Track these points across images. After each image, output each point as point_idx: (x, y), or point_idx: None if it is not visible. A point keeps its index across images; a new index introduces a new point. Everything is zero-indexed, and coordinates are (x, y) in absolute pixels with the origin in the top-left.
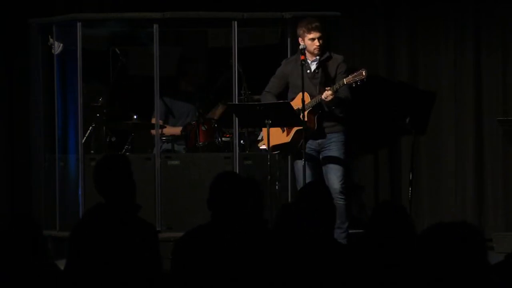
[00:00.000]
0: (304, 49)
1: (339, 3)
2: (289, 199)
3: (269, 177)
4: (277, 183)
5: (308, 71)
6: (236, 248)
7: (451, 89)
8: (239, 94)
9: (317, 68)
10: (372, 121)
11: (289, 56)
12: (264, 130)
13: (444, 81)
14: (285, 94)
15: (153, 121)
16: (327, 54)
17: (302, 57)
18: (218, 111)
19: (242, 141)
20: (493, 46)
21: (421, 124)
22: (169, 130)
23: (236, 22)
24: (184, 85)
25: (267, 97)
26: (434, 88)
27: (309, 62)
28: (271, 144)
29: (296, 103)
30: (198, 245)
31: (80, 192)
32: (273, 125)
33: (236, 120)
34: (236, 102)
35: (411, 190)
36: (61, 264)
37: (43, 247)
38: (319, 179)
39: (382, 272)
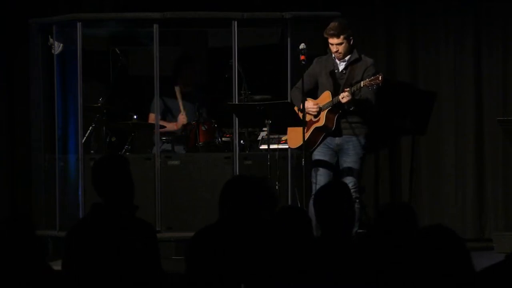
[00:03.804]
0: (304, 49)
1: (339, 2)
2: (289, 199)
3: (269, 177)
4: (277, 183)
5: (336, 71)
6: (248, 246)
7: (451, 89)
8: (239, 94)
9: (344, 69)
10: (372, 121)
11: (288, 56)
12: (289, 129)
13: (444, 81)
14: (315, 91)
15: (150, 118)
16: (357, 56)
17: (302, 57)
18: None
19: (242, 141)
20: (493, 46)
21: (421, 124)
22: (168, 128)
23: (236, 22)
24: (181, 85)
25: (295, 93)
26: (434, 88)
27: (338, 62)
28: (295, 145)
29: (320, 102)
30: (213, 244)
31: (80, 192)
32: (273, 125)
33: (236, 120)
34: (236, 102)
35: (411, 190)
36: (60, 264)
37: (37, 248)
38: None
39: (384, 271)
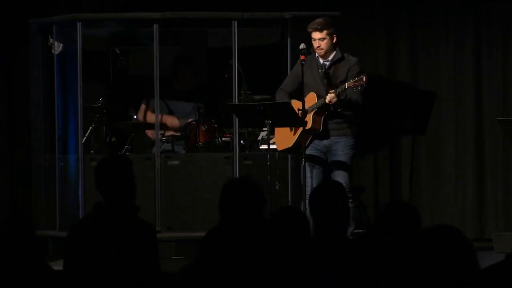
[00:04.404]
0: (304, 49)
1: (339, 2)
2: (289, 199)
3: (269, 177)
4: (277, 183)
5: (320, 71)
6: (248, 246)
7: (451, 89)
8: (239, 94)
9: (328, 68)
10: (372, 121)
11: (288, 56)
12: (278, 129)
13: (444, 81)
14: (300, 92)
15: (141, 109)
16: (340, 55)
17: (302, 57)
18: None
19: (242, 141)
20: (493, 46)
21: (421, 124)
22: (170, 122)
23: (236, 22)
24: (177, 86)
25: (280, 95)
26: (434, 88)
27: (321, 62)
28: (282, 147)
29: (305, 103)
30: (219, 245)
31: (80, 192)
32: (273, 125)
33: (236, 120)
34: (236, 102)
35: (411, 190)
36: (61, 264)
37: (37, 248)
38: (335, 180)
39: (384, 271)
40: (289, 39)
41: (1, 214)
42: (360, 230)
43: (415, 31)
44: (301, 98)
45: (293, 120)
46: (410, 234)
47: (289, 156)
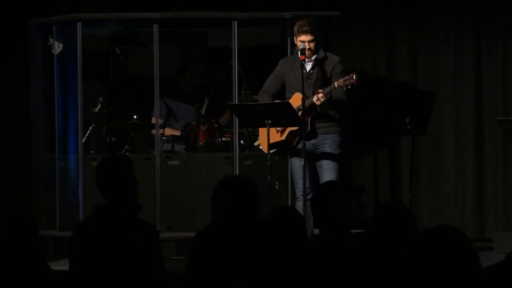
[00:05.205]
0: (304, 49)
1: (339, 2)
2: (289, 199)
3: (269, 177)
4: (277, 183)
5: (304, 71)
6: (245, 246)
7: (451, 89)
8: (239, 94)
9: (312, 68)
10: (371, 121)
11: (289, 56)
12: (262, 130)
13: (444, 81)
14: (282, 93)
15: (153, 121)
16: (323, 54)
17: (302, 57)
18: (224, 117)
19: (242, 141)
20: (493, 46)
21: (421, 124)
22: (170, 131)
23: (236, 22)
24: (182, 84)
25: (263, 97)
26: (434, 88)
27: (305, 62)
28: (268, 148)
29: (292, 104)
30: (213, 244)
31: (80, 192)
32: (273, 125)
33: (236, 120)
34: (236, 102)
35: (411, 190)
36: (61, 264)
37: (39, 248)
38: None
39: (384, 271)
40: (289, 39)
41: (1, 214)
42: (360, 230)
43: (415, 31)
44: (284, 98)
45: (293, 120)
46: (407, 233)
47: (289, 156)
